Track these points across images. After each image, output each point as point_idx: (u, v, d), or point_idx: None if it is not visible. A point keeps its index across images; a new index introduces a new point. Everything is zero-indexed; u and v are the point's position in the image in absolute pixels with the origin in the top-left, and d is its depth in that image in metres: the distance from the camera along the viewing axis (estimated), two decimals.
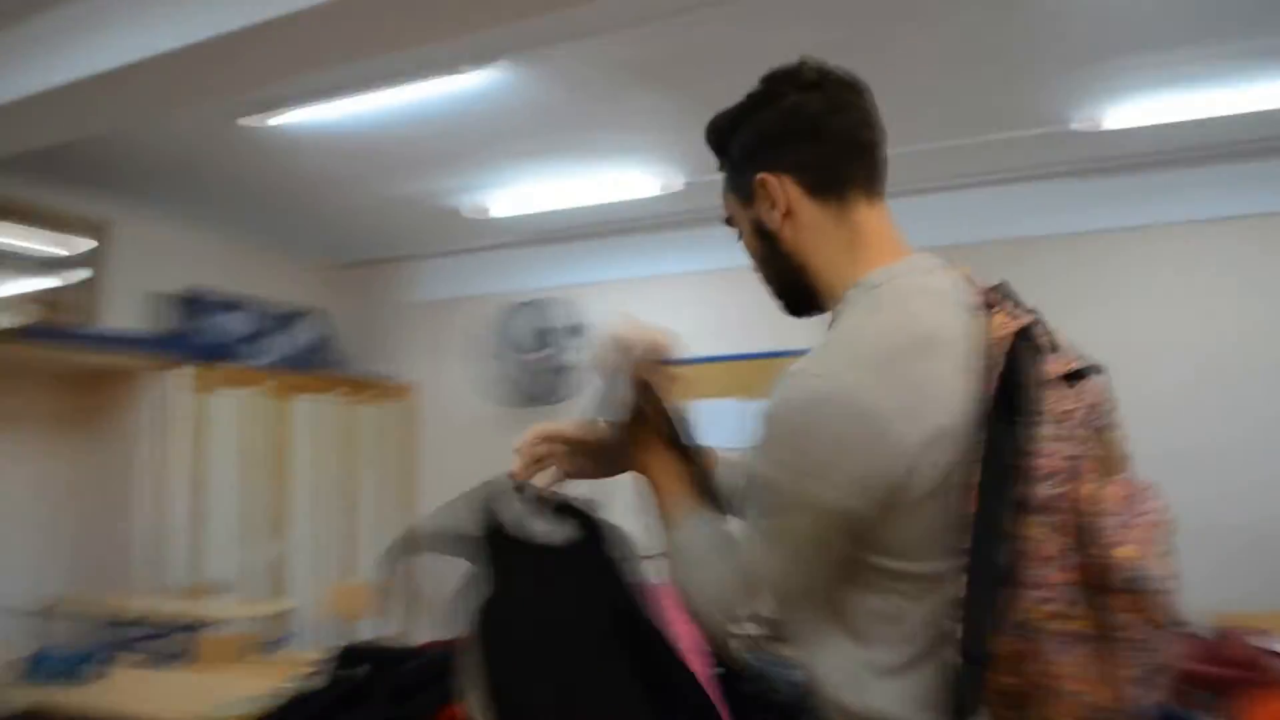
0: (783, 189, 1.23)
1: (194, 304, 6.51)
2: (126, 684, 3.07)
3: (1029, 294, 1.28)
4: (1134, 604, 1.00)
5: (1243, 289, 5.50)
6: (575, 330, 6.87)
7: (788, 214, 1.24)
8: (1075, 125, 5.06)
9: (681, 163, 5.75)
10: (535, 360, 6.92)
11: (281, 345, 7.10)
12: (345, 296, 7.89)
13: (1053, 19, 4.04)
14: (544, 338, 6.91)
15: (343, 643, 2.55)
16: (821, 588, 1.14)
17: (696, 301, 6.81)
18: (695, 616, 1.24)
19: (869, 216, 1.23)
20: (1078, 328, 1.37)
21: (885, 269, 1.20)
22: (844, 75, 1.25)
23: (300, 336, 7.33)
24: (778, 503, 1.12)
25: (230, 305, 6.77)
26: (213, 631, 3.89)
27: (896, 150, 1.31)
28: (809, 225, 1.23)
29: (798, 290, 1.29)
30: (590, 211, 6.51)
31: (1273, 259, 5.45)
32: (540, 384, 6.95)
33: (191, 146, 5.28)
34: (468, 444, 7.38)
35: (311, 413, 6.77)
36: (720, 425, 6.73)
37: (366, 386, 7.24)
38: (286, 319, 7.26)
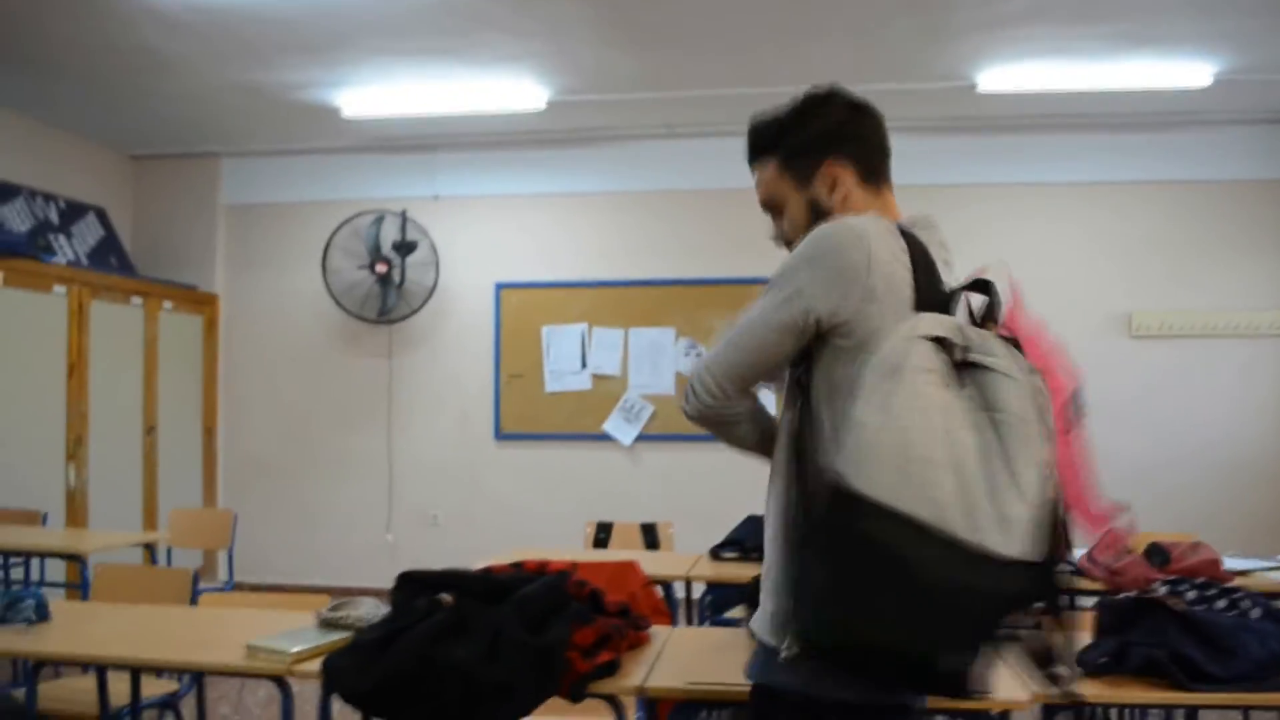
0: (844, 175, 1.64)
1: None
2: (93, 623, 2.61)
3: None
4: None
5: (1089, 248, 6.14)
6: (411, 246, 6.49)
7: (844, 196, 1.64)
8: (956, 83, 5.40)
9: (549, 80, 5.55)
10: (367, 275, 6.46)
11: (70, 244, 6.18)
12: (143, 193, 6.98)
13: None
14: (378, 252, 6.46)
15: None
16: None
17: (550, 224, 6.65)
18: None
19: (892, 201, 1.69)
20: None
21: None
22: (868, 102, 1.70)
23: (88, 235, 6.42)
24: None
25: (2, 190, 5.78)
26: (101, 563, 3.35)
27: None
28: (857, 205, 1.63)
29: None
30: (442, 122, 6.15)
31: (1118, 222, 6.13)
32: (370, 300, 6.51)
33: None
34: (277, 363, 6.85)
35: (107, 322, 5.95)
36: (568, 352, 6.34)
37: (167, 295, 6.46)
38: (71, 213, 6.32)
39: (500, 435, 6.63)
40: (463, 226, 6.66)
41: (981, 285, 1.51)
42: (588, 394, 6.51)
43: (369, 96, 5.78)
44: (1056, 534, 1.33)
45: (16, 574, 4.71)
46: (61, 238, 6.14)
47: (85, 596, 3.84)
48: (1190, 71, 5.20)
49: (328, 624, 2.42)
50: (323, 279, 6.50)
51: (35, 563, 4.76)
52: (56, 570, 5.02)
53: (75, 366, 5.68)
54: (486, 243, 6.67)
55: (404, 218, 6.50)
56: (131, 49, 5.03)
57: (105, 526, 5.68)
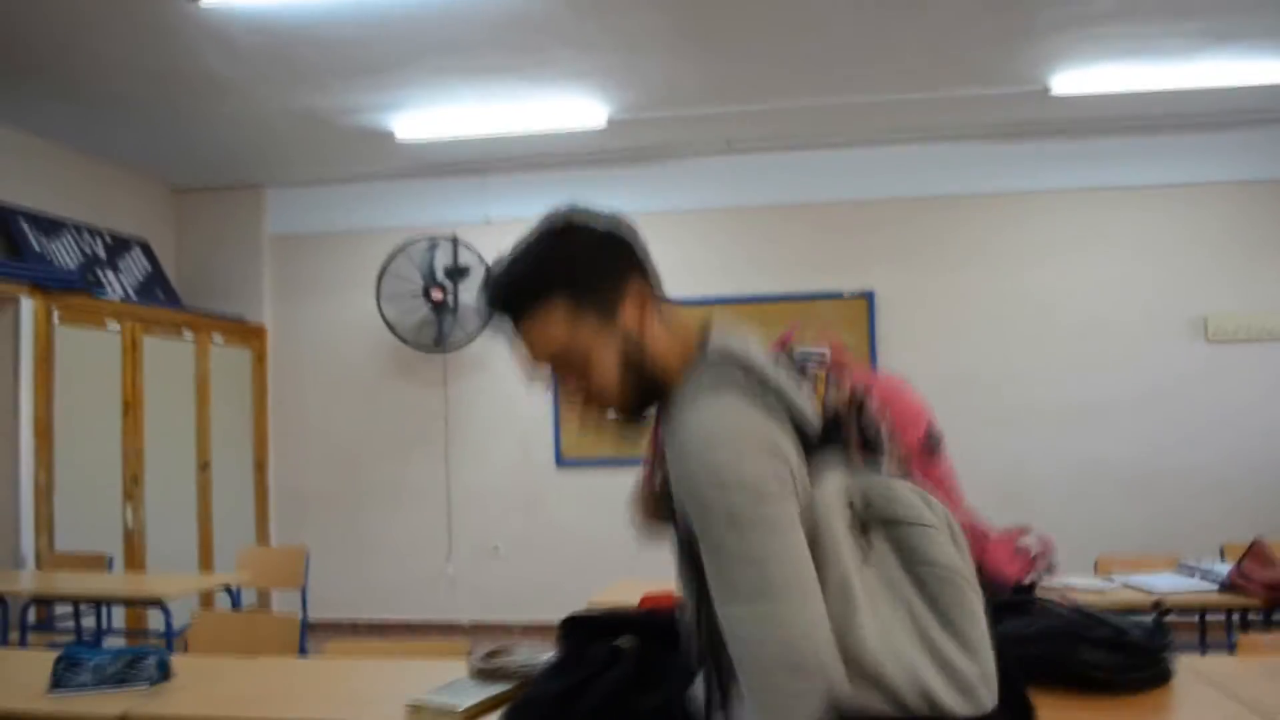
0: (647, 298, 1.38)
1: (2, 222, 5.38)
2: (219, 681, 2.44)
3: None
4: None
5: (1165, 252, 6.01)
6: (464, 271, 6.35)
7: (651, 323, 1.37)
8: (1029, 87, 5.27)
9: (611, 96, 5.42)
10: (422, 302, 6.32)
11: (118, 279, 6.05)
12: (186, 225, 6.85)
13: None
14: (433, 278, 6.32)
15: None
16: None
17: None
18: None
19: (681, 312, 1.44)
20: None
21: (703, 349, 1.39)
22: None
23: (135, 269, 6.28)
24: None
25: (49, 225, 5.66)
26: (200, 612, 3.20)
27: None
28: (659, 331, 1.38)
29: (653, 388, 1.38)
30: (496, 143, 6.03)
31: (1194, 224, 5.97)
32: (426, 328, 6.37)
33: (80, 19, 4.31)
34: (328, 394, 6.71)
35: (160, 358, 5.81)
36: None
37: (217, 328, 6.32)
38: (117, 247, 6.19)
39: (561, 461, 6.47)
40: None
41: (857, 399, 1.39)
42: (650, 415, 6.34)
43: (424, 119, 5.65)
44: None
45: (87, 621, 4.54)
46: (109, 272, 6.00)
47: (170, 646, 3.68)
48: (1271, 69, 5.06)
49: (485, 674, 2.25)
50: (377, 307, 6.36)
51: (104, 608, 4.60)
52: (118, 615, 4.88)
53: (130, 404, 5.53)
54: None
55: (455, 242, 6.37)
56: (186, 74, 4.91)
57: (164, 567, 5.54)
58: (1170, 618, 3.09)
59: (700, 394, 1.28)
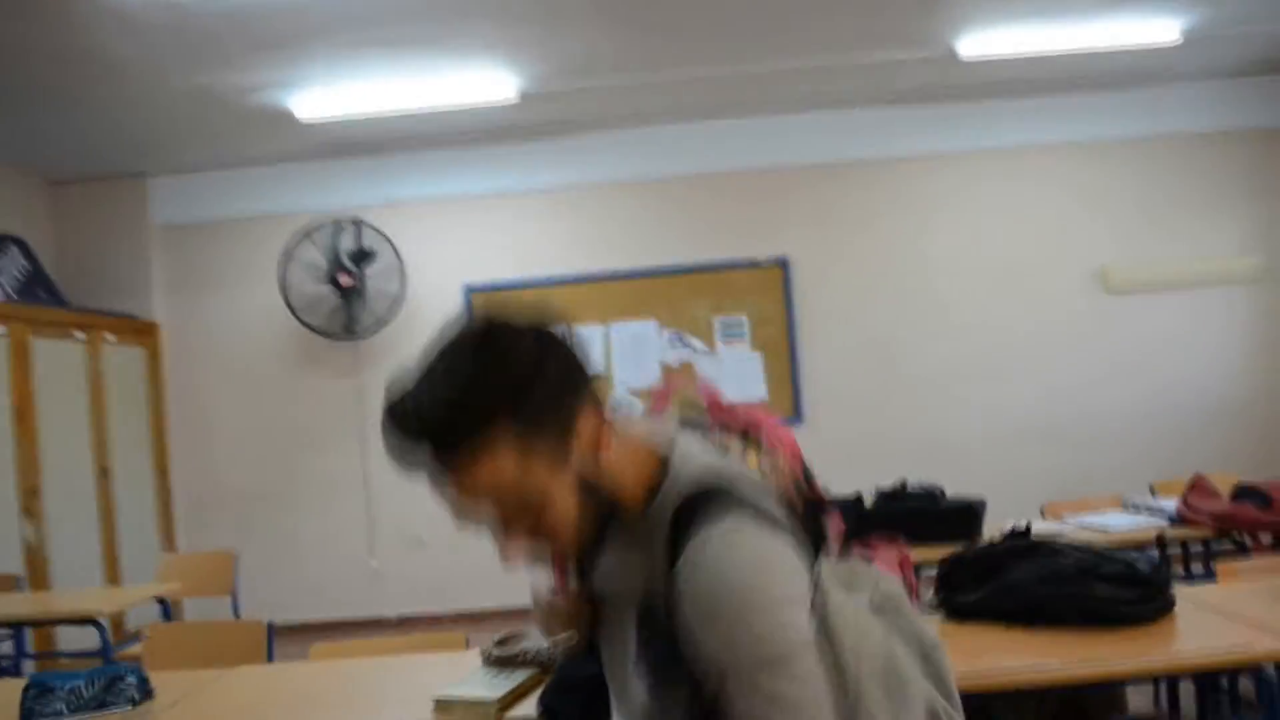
0: (597, 420, 1.15)
1: None
2: (205, 696, 2.27)
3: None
4: None
5: (1066, 208, 6.25)
6: (369, 254, 6.12)
7: (603, 447, 1.15)
8: (938, 51, 5.37)
9: (523, 68, 5.30)
10: (329, 289, 6.08)
11: None
12: (64, 220, 6.40)
13: None
14: (339, 263, 6.08)
15: None
16: None
17: (517, 222, 6.39)
18: None
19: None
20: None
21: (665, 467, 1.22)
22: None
23: (12, 268, 5.84)
24: None
25: None
26: (152, 625, 2.98)
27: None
28: (614, 451, 1.16)
29: (606, 517, 1.19)
30: (402, 121, 5.82)
31: (1093, 180, 6.23)
32: (335, 315, 6.13)
33: None
34: (231, 391, 6.40)
35: (50, 360, 5.42)
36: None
37: (108, 327, 5.93)
38: None
39: None
40: (426, 230, 6.33)
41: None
42: None
43: (326, 96, 5.40)
44: None
45: (4, 647, 4.21)
46: None
47: (107, 660, 3.44)
48: (1161, 28, 5.29)
49: (503, 662, 2.17)
50: (281, 296, 6.07)
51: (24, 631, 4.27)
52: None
53: (22, 411, 5.15)
54: (452, 245, 6.36)
55: (359, 225, 6.13)
56: (62, 52, 4.54)
57: (69, 583, 5.19)
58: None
59: (711, 525, 1.11)
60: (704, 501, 1.14)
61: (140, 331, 6.23)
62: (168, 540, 6.27)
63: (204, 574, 4.54)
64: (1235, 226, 6.17)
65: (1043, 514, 3.88)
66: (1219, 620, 2.20)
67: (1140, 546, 3.21)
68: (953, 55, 5.42)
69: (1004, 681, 1.96)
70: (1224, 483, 3.50)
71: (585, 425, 1.12)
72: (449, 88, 5.42)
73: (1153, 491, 4.12)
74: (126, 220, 6.40)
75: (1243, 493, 3.35)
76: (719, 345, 6.25)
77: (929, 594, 2.46)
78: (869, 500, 3.51)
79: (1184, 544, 3.69)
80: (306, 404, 6.35)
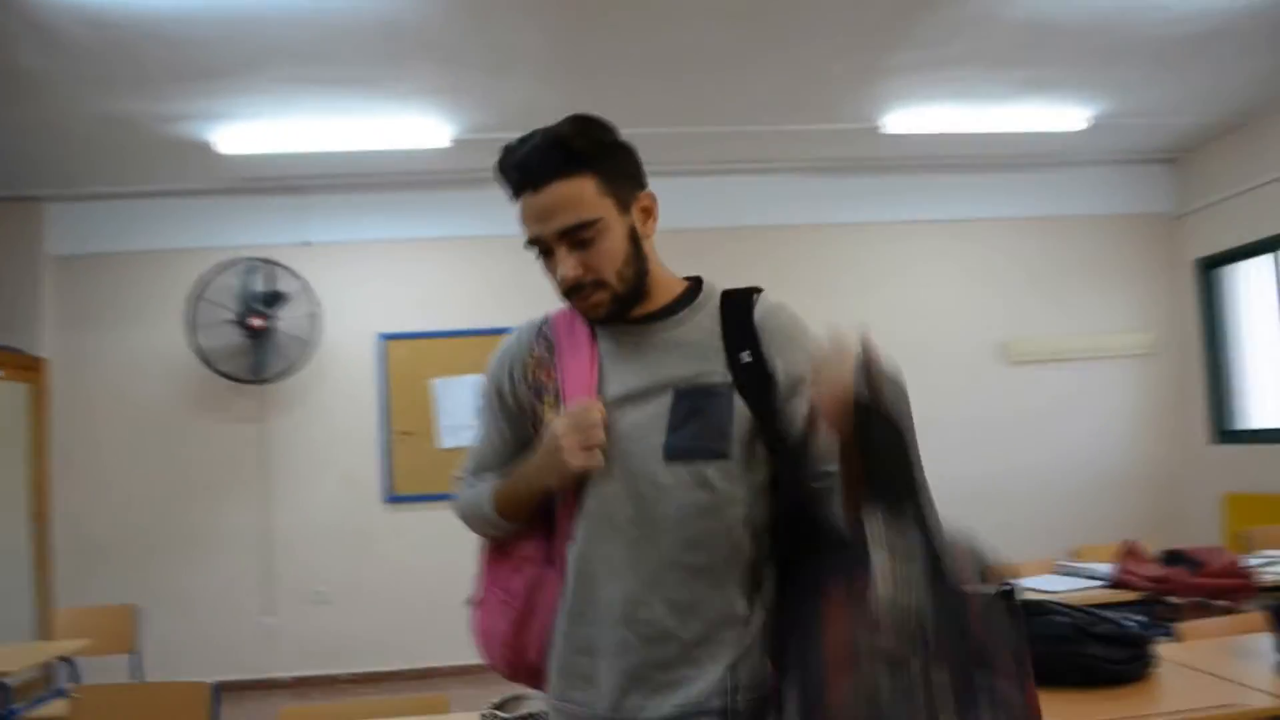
0: (654, 209, 1.48)
1: None
2: None
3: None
4: None
5: (971, 281, 6.53)
6: (280, 297, 5.89)
7: (651, 233, 1.47)
8: (864, 125, 5.58)
9: (459, 116, 5.27)
10: (237, 330, 5.81)
11: None
12: None
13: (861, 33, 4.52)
14: (250, 305, 5.82)
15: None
16: None
17: (436, 271, 6.28)
18: None
19: None
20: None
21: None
22: None
23: None
24: None
25: None
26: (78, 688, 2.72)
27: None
28: (650, 238, 1.48)
29: (641, 289, 1.45)
30: (325, 160, 5.69)
31: (998, 255, 6.54)
32: (241, 358, 5.86)
33: None
34: (123, 435, 6.03)
35: None
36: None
37: None
38: None
39: (391, 498, 6.11)
40: (343, 275, 6.14)
41: None
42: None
43: (251, 131, 5.23)
44: None
45: None
46: None
47: None
48: (1071, 116, 5.63)
49: None
50: (187, 334, 5.77)
51: None
52: None
53: None
54: (367, 292, 6.19)
55: (273, 266, 5.91)
56: None
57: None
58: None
59: (766, 298, 1.48)
60: (751, 291, 1.48)
61: (25, 367, 5.81)
62: (41, 594, 5.80)
63: (100, 630, 4.20)
64: (1126, 304, 6.55)
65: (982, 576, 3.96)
66: (1198, 676, 2.27)
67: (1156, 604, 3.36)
68: (876, 130, 5.64)
69: None
70: (1110, 549, 3.78)
71: (639, 211, 1.44)
72: (382, 130, 5.32)
73: (1076, 556, 4.27)
74: (17, 247, 5.99)
75: (1172, 558, 3.51)
76: None
77: None
78: None
79: (1120, 605, 3.82)
80: (205, 450, 6.02)
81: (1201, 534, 5.89)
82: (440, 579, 5.85)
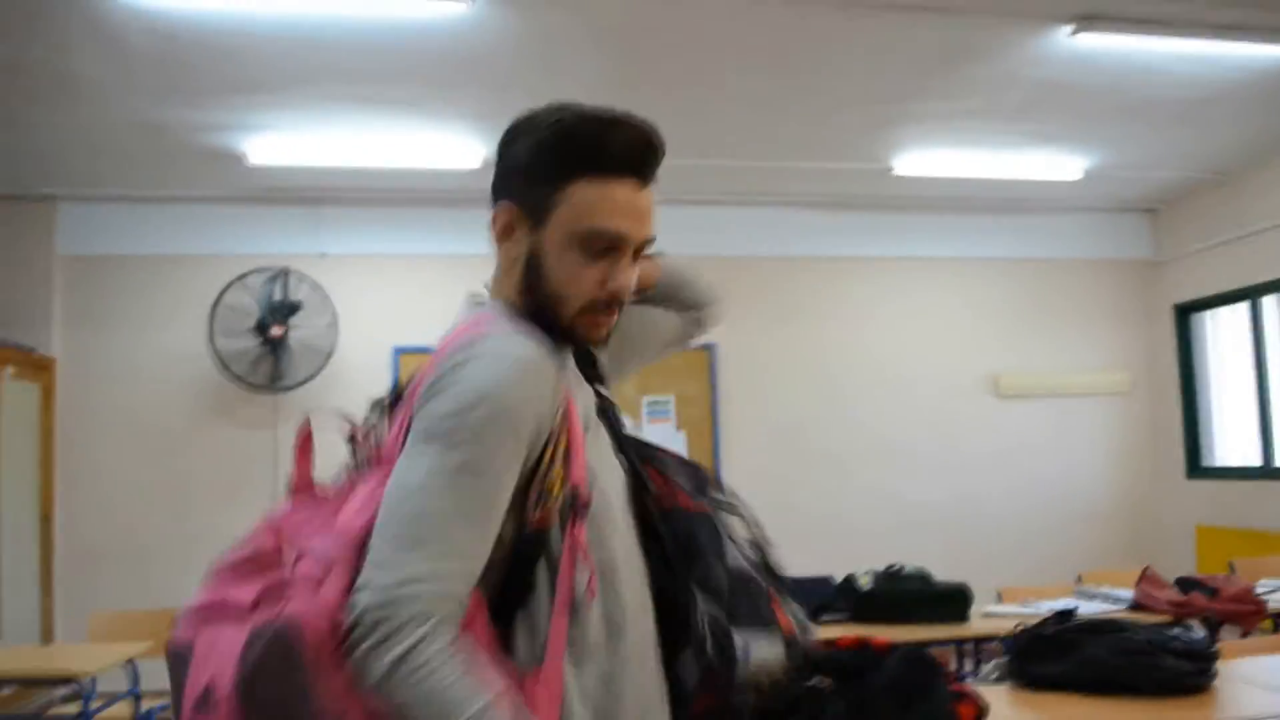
0: None
1: None
2: None
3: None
4: None
5: (966, 317, 6.83)
6: (296, 307, 5.96)
7: None
8: (876, 165, 5.85)
9: (493, 139, 5.39)
10: (255, 338, 5.86)
11: None
12: None
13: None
14: (271, 313, 5.87)
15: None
16: None
17: (455, 286, 6.36)
18: None
19: None
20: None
21: None
22: None
23: None
24: None
25: None
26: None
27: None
28: None
29: None
30: (348, 174, 5.80)
31: (992, 293, 6.86)
32: (260, 366, 5.91)
33: None
34: (132, 437, 6.03)
35: None
36: None
37: (7, 359, 5.48)
38: None
39: None
40: (358, 288, 6.22)
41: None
42: None
43: (285, 143, 5.31)
44: None
45: None
46: None
47: None
48: (1068, 166, 5.97)
49: None
50: (209, 342, 5.81)
51: None
52: None
53: None
54: (383, 305, 6.27)
55: (295, 275, 5.98)
56: (17, 64, 4.30)
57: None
58: None
59: None
60: None
61: (37, 367, 5.79)
62: (45, 597, 5.76)
63: (138, 633, 4.24)
64: (1109, 344, 6.93)
65: (1000, 597, 4.21)
66: (1254, 690, 2.52)
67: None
68: (888, 170, 5.92)
69: None
70: (1103, 577, 4.20)
71: None
72: (415, 148, 5.44)
73: (1079, 580, 4.55)
74: (29, 246, 5.97)
75: (1187, 584, 3.80)
76: (645, 423, 6.41)
77: (990, 664, 2.66)
78: (866, 581, 3.71)
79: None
80: (214, 457, 6.04)
81: (1176, 563, 6.21)
82: None
